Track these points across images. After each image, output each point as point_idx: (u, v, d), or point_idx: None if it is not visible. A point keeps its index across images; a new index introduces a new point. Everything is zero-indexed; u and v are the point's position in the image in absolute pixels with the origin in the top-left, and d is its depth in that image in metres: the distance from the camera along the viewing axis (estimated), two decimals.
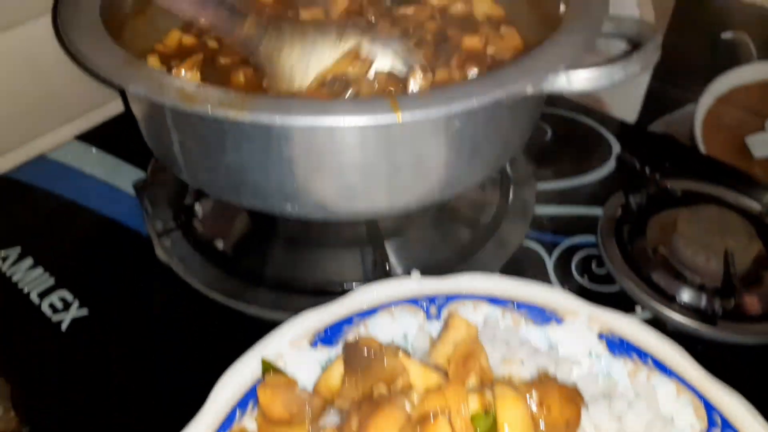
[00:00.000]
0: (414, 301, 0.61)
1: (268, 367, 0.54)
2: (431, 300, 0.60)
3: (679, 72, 1.01)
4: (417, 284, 0.62)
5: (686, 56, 0.98)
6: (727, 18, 0.92)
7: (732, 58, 0.94)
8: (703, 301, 0.71)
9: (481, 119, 0.56)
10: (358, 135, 0.53)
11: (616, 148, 0.92)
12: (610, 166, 0.89)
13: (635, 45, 0.59)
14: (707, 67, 0.97)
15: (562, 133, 0.94)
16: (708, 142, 1.03)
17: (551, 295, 0.61)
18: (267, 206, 0.61)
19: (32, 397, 0.63)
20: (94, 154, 0.90)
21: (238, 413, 0.52)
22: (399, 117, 0.48)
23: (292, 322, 0.58)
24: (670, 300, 0.71)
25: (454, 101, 0.49)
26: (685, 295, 0.72)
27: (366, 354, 0.49)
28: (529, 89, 0.52)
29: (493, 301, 0.62)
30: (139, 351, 0.66)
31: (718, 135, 1.05)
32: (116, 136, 0.92)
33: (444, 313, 0.60)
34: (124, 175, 0.86)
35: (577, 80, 0.54)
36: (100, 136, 0.92)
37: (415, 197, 0.61)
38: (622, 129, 0.96)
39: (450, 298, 0.60)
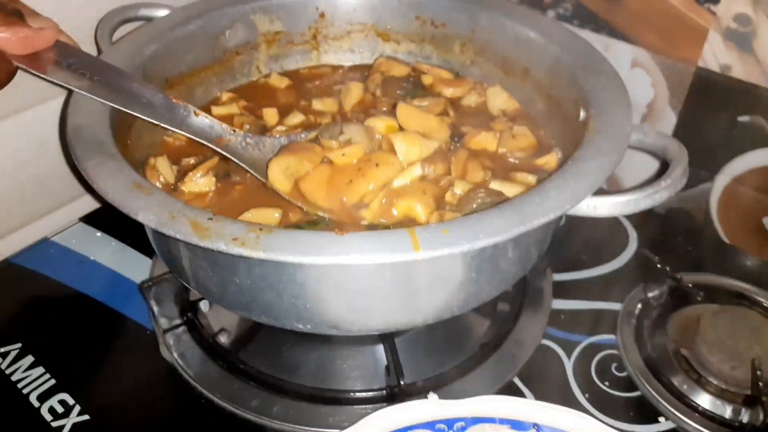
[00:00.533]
0: (431, 426, 0.59)
1: None
2: (450, 424, 0.58)
3: (694, 151, 0.99)
4: (434, 407, 0.59)
5: (702, 137, 0.96)
6: (744, 102, 0.91)
7: (748, 141, 0.93)
8: (729, 412, 0.68)
9: (501, 245, 0.54)
10: (375, 266, 0.51)
11: (633, 233, 0.90)
12: (627, 254, 0.87)
13: (662, 162, 0.57)
14: (723, 148, 0.95)
15: (576, 218, 0.92)
16: (723, 221, 1.01)
17: (574, 419, 0.58)
18: (279, 323, 0.58)
19: None
20: (99, 237, 0.88)
21: None
22: (420, 255, 0.46)
23: None
24: (693, 409, 0.68)
25: (477, 239, 0.47)
26: (710, 404, 0.69)
27: None
28: (554, 218, 0.50)
29: (515, 425, 0.59)
30: None
31: (734, 214, 1.03)
32: (121, 219, 0.89)
33: None
34: (129, 262, 0.84)
35: (603, 206, 0.52)
36: (104, 219, 0.90)
37: (432, 314, 0.59)
38: (638, 213, 0.93)
39: (469, 423, 0.58)
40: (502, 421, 0.59)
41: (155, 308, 0.73)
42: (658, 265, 0.79)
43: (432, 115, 0.69)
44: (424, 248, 0.47)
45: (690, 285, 0.78)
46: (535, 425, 0.58)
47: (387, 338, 0.69)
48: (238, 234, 0.47)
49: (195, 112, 0.67)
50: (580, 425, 0.58)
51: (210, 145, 0.66)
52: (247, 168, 0.65)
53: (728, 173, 0.97)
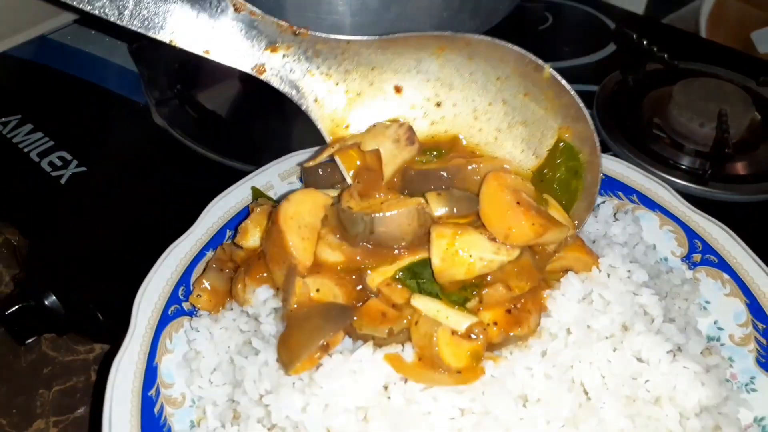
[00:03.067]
0: None
1: (258, 194, 0.56)
2: None
3: None
4: None
5: None
6: None
7: None
8: (696, 164, 0.71)
9: None
10: None
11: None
12: (608, 50, 0.88)
13: None
14: None
15: (562, 21, 0.93)
16: (712, 38, 1.01)
17: None
18: None
19: (33, 242, 0.65)
20: (93, 35, 0.90)
21: (228, 233, 0.54)
22: None
23: (282, 158, 0.59)
24: (663, 163, 0.71)
25: None
26: (677, 159, 0.72)
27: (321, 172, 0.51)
28: None
29: None
30: (136, 198, 0.67)
31: (723, 30, 1.03)
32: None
33: None
34: (124, 53, 0.86)
35: None
36: (99, 20, 0.92)
37: None
38: (624, 16, 0.94)
39: None
40: None
41: (146, 74, 0.75)
42: (635, 38, 0.80)
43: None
44: None
45: (665, 57, 0.79)
46: None
47: None
48: None
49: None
50: None
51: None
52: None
53: None
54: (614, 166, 0.58)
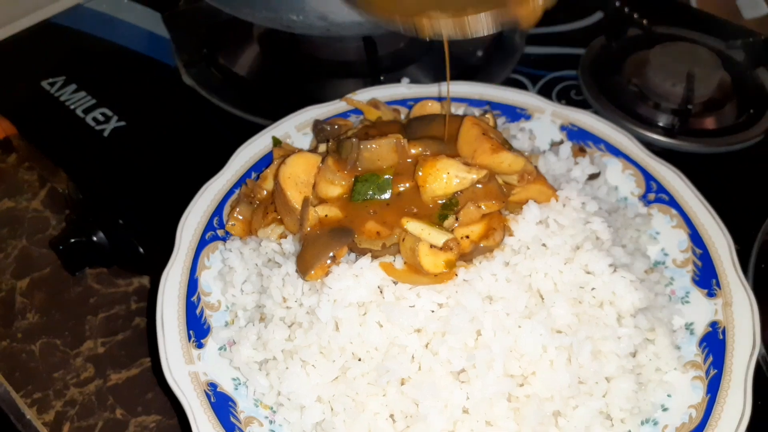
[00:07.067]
0: (403, 102, 0.71)
1: (277, 142, 0.65)
2: (418, 102, 0.70)
3: None
4: (406, 88, 0.71)
5: None
6: None
7: None
8: (668, 120, 0.79)
9: None
10: None
11: None
12: (596, 16, 0.95)
13: None
14: None
15: None
16: (703, 6, 1.07)
17: (522, 97, 0.70)
18: (277, 18, 0.69)
19: (82, 187, 0.75)
20: (126, 4, 0.99)
21: (253, 174, 0.63)
22: None
23: (298, 112, 0.68)
24: (640, 120, 0.79)
25: None
26: (653, 116, 0.80)
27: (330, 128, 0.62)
28: None
29: (472, 103, 0.71)
30: (170, 149, 0.78)
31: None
32: None
33: None
34: (154, 21, 0.95)
35: None
36: None
37: None
38: None
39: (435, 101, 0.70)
40: (462, 101, 0.71)
41: (176, 38, 0.84)
42: (625, 9, 0.87)
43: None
44: None
45: (644, 23, 0.87)
46: (488, 103, 0.70)
47: (374, 73, 0.80)
48: None
49: None
50: (526, 100, 0.69)
51: None
52: None
53: None
54: (585, 119, 0.67)
